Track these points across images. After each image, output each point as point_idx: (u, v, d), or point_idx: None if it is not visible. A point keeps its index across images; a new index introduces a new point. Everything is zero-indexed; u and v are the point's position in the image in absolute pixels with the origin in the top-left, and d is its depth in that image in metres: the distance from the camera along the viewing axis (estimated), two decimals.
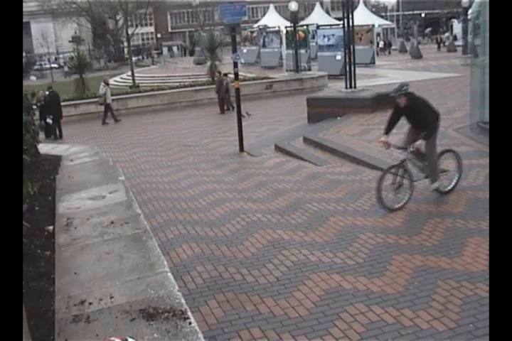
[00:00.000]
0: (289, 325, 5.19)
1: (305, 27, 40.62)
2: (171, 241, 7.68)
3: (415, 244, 6.84)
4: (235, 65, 15.38)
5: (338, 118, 16.58)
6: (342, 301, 5.55)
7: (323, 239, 7.28)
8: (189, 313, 3.40)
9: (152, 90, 29.58)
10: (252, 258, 6.84)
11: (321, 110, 17.53)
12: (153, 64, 61.91)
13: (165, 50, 74.19)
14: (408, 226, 7.46)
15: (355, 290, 5.76)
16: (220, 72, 26.23)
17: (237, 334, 5.07)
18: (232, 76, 18.66)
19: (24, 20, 77.34)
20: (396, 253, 6.61)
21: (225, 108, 24.69)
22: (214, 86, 27.60)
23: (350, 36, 19.08)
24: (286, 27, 42.35)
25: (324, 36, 36.76)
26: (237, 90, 15.68)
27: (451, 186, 8.93)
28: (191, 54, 66.91)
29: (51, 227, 5.38)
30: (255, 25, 55.20)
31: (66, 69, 54.19)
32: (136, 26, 57.00)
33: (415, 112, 8.67)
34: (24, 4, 75.46)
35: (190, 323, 3.26)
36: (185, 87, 30.08)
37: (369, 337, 4.84)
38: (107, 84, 25.40)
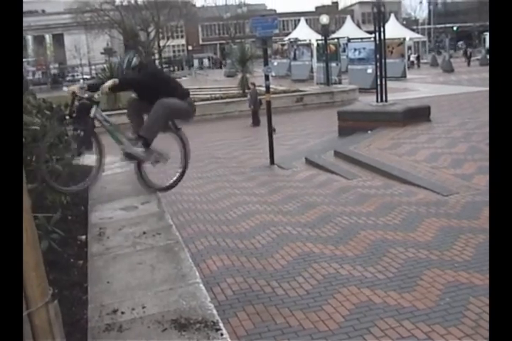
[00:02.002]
0: (318, 338, 5.17)
1: (336, 40, 40.68)
2: (201, 252, 7.70)
3: (447, 259, 6.79)
4: (267, 77, 15.45)
5: (369, 131, 16.54)
6: (372, 315, 5.52)
7: (354, 252, 7.26)
8: (221, 324, 3.40)
9: None
10: (282, 270, 6.84)
11: (352, 123, 17.52)
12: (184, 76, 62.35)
13: (196, 62, 74.71)
14: (439, 241, 7.40)
15: (386, 305, 5.72)
16: (254, 84, 26.31)
17: None
18: (262, 88, 18.77)
19: (58, 32, 78.89)
20: (427, 268, 6.56)
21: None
22: (245, 98, 27.74)
23: (381, 49, 19.06)
24: (317, 40, 42.44)
25: (355, 49, 36.76)
26: (268, 103, 15.74)
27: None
28: (221, 66, 67.33)
29: (84, 237, 5.42)
30: (286, 38, 55.42)
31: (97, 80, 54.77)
32: (168, 38, 57.66)
33: None
34: (57, 16, 77.12)
35: (222, 334, 3.26)
36: (216, 99, 30.23)
37: None
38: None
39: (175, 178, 7.51)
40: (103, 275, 4.30)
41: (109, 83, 6.03)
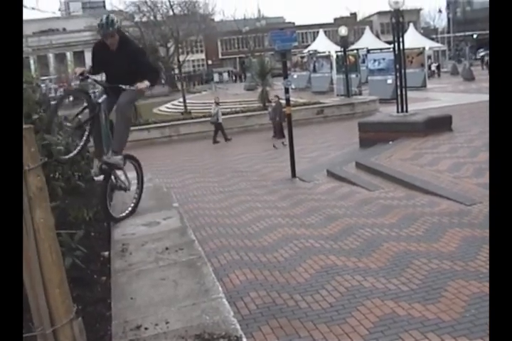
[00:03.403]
0: None
1: (355, 51, 40.71)
2: (224, 267, 7.71)
3: (471, 270, 6.74)
4: (287, 90, 15.49)
5: (390, 142, 16.49)
6: (397, 328, 5.49)
7: (377, 264, 7.23)
8: (244, 339, 3.41)
9: (203, 116, 29.92)
10: (305, 284, 6.82)
11: (373, 135, 17.49)
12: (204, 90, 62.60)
13: (216, 76, 74.99)
14: (463, 252, 7.35)
15: (410, 317, 5.69)
16: (278, 97, 26.45)
17: None
18: (283, 101, 18.82)
19: (78, 49, 79.60)
20: (451, 279, 6.52)
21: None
22: (265, 111, 27.84)
23: (401, 60, 19.03)
24: (336, 51, 42.46)
25: (375, 60, 36.75)
26: (289, 116, 15.79)
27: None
28: (241, 80, 67.51)
29: (107, 253, 5.47)
30: (305, 51, 55.49)
31: None
32: (187, 53, 57.94)
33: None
34: (78, 34, 77.77)
35: None
36: (237, 113, 30.34)
37: None
38: (218, 103, 26.72)
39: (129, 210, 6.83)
40: (126, 291, 4.33)
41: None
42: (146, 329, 3.67)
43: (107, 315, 4.08)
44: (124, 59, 6.30)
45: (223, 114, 29.80)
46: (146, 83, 6.27)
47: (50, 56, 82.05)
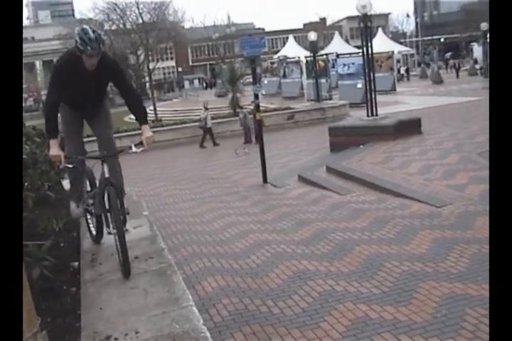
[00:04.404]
0: None
1: (325, 56, 40.94)
2: (196, 274, 7.68)
3: (442, 271, 6.78)
4: (256, 96, 15.51)
5: (361, 146, 16.58)
6: (369, 331, 5.50)
7: (349, 268, 7.24)
8: None
9: (174, 124, 29.84)
10: (277, 289, 6.81)
11: (343, 139, 17.56)
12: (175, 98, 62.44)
13: (186, 83, 74.87)
14: (434, 253, 7.39)
15: (382, 320, 5.71)
16: (241, 107, 26.64)
17: None
18: (251, 107, 18.86)
19: (48, 58, 78.94)
20: (422, 280, 6.55)
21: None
22: (236, 118, 27.94)
23: (370, 64, 19.16)
24: (305, 57, 42.67)
25: (344, 65, 37.04)
26: (259, 122, 15.82)
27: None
28: (212, 86, 67.50)
29: (76, 263, 5.43)
30: (275, 56, 55.72)
31: None
32: (158, 61, 57.82)
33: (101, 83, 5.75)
34: (47, 43, 77.17)
35: None
36: (201, 121, 30.33)
37: None
38: (207, 108, 26.81)
39: None
40: (96, 302, 4.30)
41: None
42: (115, 339, 3.65)
43: (77, 327, 4.05)
44: (103, 80, 5.58)
45: (194, 121, 29.80)
46: (150, 132, 5.57)
47: None
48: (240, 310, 6.35)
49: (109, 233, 5.25)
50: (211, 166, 19.82)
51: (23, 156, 5.71)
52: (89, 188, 5.97)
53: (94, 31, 5.11)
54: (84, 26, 5.22)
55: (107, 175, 5.28)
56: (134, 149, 5.42)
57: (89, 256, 5.40)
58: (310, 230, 9.16)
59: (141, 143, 5.47)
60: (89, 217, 6.15)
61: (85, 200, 6.01)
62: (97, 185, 5.73)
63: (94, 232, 5.90)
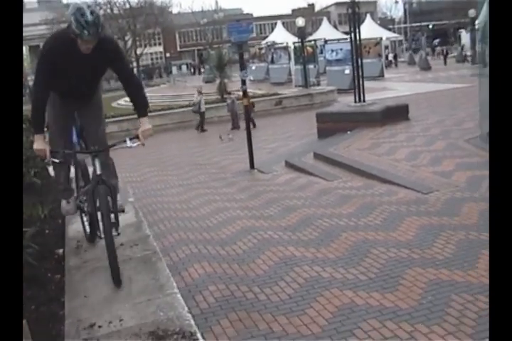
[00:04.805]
0: None
1: (313, 42, 40.81)
2: (182, 260, 7.67)
3: (428, 257, 6.80)
4: (243, 82, 15.44)
5: (349, 132, 16.55)
6: (355, 317, 5.51)
7: (335, 254, 7.25)
8: (198, 335, 3.38)
9: (162, 109, 29.68)
10: (264, 276, 6.81)
11: (331, 125, 17.51)
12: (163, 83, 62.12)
13: (174, 69, 74.46)
14: (420, 240, 7.41)
15: (368, 306, 5.71)
16: (229, 93, 26.54)
17: None
18: (239, 93, 18.78)
19: (34, 43, 78.35)
20: (409, 267, 6.57)
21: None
22: (223, 104, 27.87)
23: (358, 50, 19.11)
24: (294, 43, 42.50)
25: (332, 51, 36.89)
26: (246, 108, 15.76)
27: None
28: (200, 72, 67.21)
29: (61, 250, 5.39)
30: (263, 42, 55.49)
31: None
32: (145, 46, 57.50)
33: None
34: (33, 28, 76.54)
35: None
36: (195, 105, 30.19)
37: None
38: (201, 92, 26.82)
39: None
40: (80, 289, 4.26)
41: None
42: (99, 327, 3.62)
43: (61, 314, 4.02)
44: (100, 64, 4.88)
45: (181, 107, 29.68)
46: (149, 125, 4.98)
47: None
48: (226, 296, 6.35)
49: (100, 237, 4.87)
50: (199, 152, 19.75)
51: None
52: (82, 183, 5.47)
53: (92, 12, 4.37)
54: (81, 5, 4.40)
55: (98, 172, 4.85)
56: (128, 143, 4.89)
57: (74, 243, 5.35)
58: (297, 216, 9.15)
59: (137, 137, 4.90)
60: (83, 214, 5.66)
61: (78, 196, 5.56)
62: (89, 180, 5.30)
63: (88, 231, 5.45)
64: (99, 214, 4.72)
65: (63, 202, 5.61)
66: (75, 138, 5.51)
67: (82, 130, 5.43)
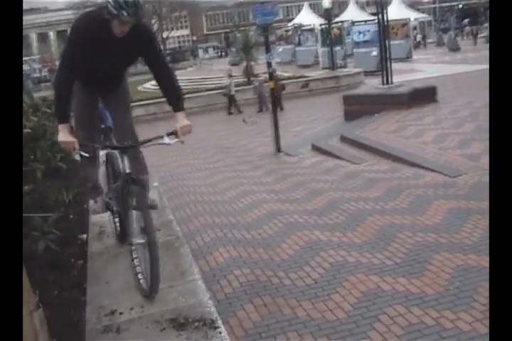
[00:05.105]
0: (326, 328, 5.10)
1: (340, 24, 40.44)
2: (207, 244, 7.64)
3: (456, 242, 6.69)
4: (269, 65, 15.34)
5: (376, 115, 16.38)
6: (381, 303, 5.44)
7: (361, 239, 7.17)
8: (219, 322, 3.34)
9: (188, 93, 29.64)
10: (289, 260, 6.76)
11: (358, 108, 17.34)
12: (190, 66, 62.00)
13: (201, 52, 74.28)
14: (448, 224, 7.29)
15: (394, 292, 5.64)
16: (256, 75, 26.40)
17: (273, 339, 4.99)
18: (266, 76, 18.67)
19: (61, 28, 78.70)
20: (436, 252, 6.47)
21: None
22: (250, 86, 27.77)
23: (385, 31, 18.86)
24: (320, 24, 42.13)
25: (359, 32, 36.50)
26: (272, 90, 15.66)
27: None
28: (226, 54, 67.04)
29: (85, 236, 5.38)
30: (290, 24, 55.08)
31: None
32: (172, 29, 57.37)
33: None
34: (60, 13, 76.91)
35: (220, 333, 3.21)
36: (221, 88, 30.09)
37: (409, 340, 4.73)
38: (231, 75, 27.35)
39: None
40: (102, 275, 4.25)
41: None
42: (121, 314, 3.60)
43: (83, 300, 4.00)
44: (133, 51, 4.46)
45: (208, 90, 29.62)
46: (187, 121, 4.57)
47: (33, 36, 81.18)
48: (251, 281, 6.31)
49: (130, 243, 4.27)
50: (225, 135, 19.72)
51: (27, 130, 5.60)
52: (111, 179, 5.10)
53: None
54: None
55: (127, 170, 4.40)
56: (166, 140, 4.43)
57: (97, 229, 5.35)
58: (323, 200, 9.08)
59: (174, 133, 4.47)
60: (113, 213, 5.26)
61: (107, 193, 5.16)
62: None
63: (118, 230, 5.10)
64: (130, 213, 4.30)
65: (91, 201, 5.37)
66: (110, 120, 5.14)
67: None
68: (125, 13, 3.97)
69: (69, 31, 4.40)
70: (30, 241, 4.26)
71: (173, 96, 4.62)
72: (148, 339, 3.22)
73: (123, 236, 4.81)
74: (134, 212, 4.23)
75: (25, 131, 5.28)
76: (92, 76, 4.58)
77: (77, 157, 5.15)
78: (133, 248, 4.26)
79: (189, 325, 3.31)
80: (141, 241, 4.04)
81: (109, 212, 5.20)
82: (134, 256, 4.25)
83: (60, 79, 4.33)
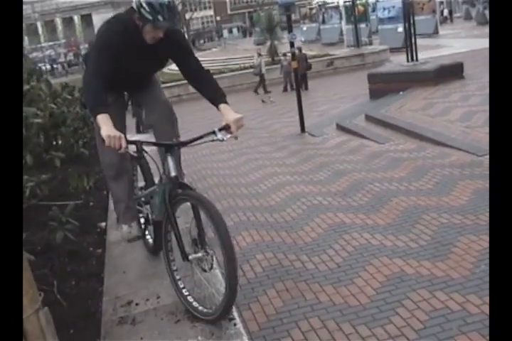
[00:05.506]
0: (349, 313, 5.02)
1: (364, 0, 39.92)
2: (230, 228, 7.47)
3: (482, 223, 6.54)
4: (292, 44, 15.23)
5: (401, 93, 16.18)
6: (404, 287, 5.35)
7: (386, 221, 7.06)
8: (235, 313, 3.29)
9: (213, 74, 29.53)
10: (312, 244, 6.68)
11: (383, 86, 17.15)
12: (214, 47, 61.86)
13: (225, 32, 74.02)
14: (474, 205, 7.15)
15: (418, 275, 5.54)
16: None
17: (295, 325, 4.93)
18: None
19: (85, 12, 78.84)
20: (461, 234, 6.34)
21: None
22: (274, 66, 27.55)
23: (410, 7, 18.58)
24: (345, 2, 41.64)
25: (384, 8, 36.07)
26: (296, 70, 15.54)
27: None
28: (251, 34, 66.72)
29: (104, 223, 5.35)
30: (314, 2, 54.53)
31: None
32: (195, 10, 57.12)
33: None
34: None
35: (235, 325, 3.16)
36: (246, 69, 29.95)
37: (433, 326, 4.63)
38: (260, 54, 27.60)
39: None
40: (120, 265, 4.22)
41: None
42: (136, 305, 3.57)
43: (100, 290, 3.98)
44: (164, 56, 4.32)
45: (232, 71, 29.47)
46: (238, 113, 4.25)
47: (58, 21, 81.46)
48: (273, 265, 6.24)
49: (185, 259, 3.69)
50: (249, 116, 19.60)
51: (37, 120, 5.55)
52: (142, 183, 4.71)
53: None
54: None
55: (173, 173, 4.00)
56: (219, 136, 4.06)
57: (115, 217, 5.30)
58: (347, 181, 8.98)
59: (227, 128, 4.13)
60: (142, 221, 4.83)
61: (137, 199, 4.77)
62: (154, 180, 4.61)
63: (151, 241, 4.63)
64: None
65: (124, 227, 4.48)
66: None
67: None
68: (161, 18, 3.74)
69: (96, 34, 4.09)
70: (48, 231, 4.25)
71: (213, 93, 4.33)
72: (162, 332, 3.18)
73: (158, 247, 4.29)
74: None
75: (35, 121, 5.23)
76: (120, 81, 4.29)
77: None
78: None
79: (204, 317, 3.26)
80: (199, 255, 3.65)
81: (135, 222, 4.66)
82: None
83: (94, 71, 3.90)
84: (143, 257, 4.25)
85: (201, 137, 4.14)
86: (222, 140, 4.03)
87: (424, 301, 5.05)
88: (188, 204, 3.98)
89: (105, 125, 3.57)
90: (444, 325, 4.61)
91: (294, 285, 5.71)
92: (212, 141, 4.09)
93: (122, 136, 3.59)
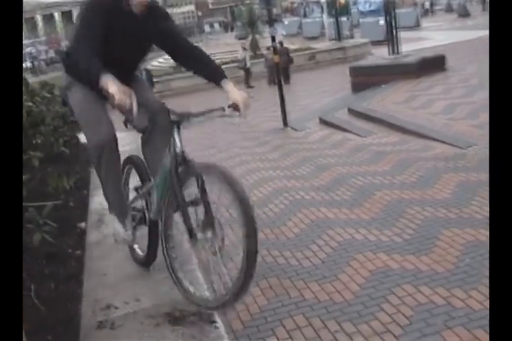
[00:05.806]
0: (334, 310, 4.96)
1: None
2: None
3: (465, 216, 6.52)
4: (273, 38, 15.20)
5: (383, 86, 16.16)
6: (389, 282, 5.30)
7: (369, 215, 7.01)
8: (216, 316, 3.22)
9: None
10: (295, 239, 6.62)
11: (365, 79, 17.12)
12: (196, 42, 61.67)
13: (207, 27, 73.81)
14: (458, 198, 7.12)
15: (403, 270, 5.49)
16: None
17: (280, 323, 4.86)
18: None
19: (66, 8, 78.23)
20: (445, 227, 6.30)
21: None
22: (256, 60, 27.50)
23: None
24: None
25: (365, 2, 36.17)
26: (277, 64, 15.50)
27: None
28: (232, 29, 66.63)
29: (83, 224, 5.27)
30: None
31: None
32: (176, 5, 56.92)
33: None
34: None
35: (216, 328, 3.10)
36: (227, 63, 29.82)
37: (418, 321, 4.59)
38: (245, 49, 27.87)
39: None
40: (99, 266, 4.15)
41: None
42: (116, 308, 3.50)
43: (79, 293, 3.90)
44: (153, 28, 3.99)
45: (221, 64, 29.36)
46: (244, 93, 4.17)
47: (38, 17, 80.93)
48: (257, 262, 6.17)
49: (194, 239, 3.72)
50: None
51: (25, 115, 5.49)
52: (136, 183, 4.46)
53: None
54: None
55: (180, 149, 3.94)
56: (227, 112, 3.97)
57: (96, 217, 5.23)
58: (330, 175, 8.93)
59: (234, 106, 4.00)
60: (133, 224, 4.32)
61: (133, 201, 4.53)
62: (150, 176, 4.42)
63: (140, 252, 4.28)
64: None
65: (118, 226, 4.11)
66: None
67: None
68: None
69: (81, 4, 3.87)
70: (25, 233, 4.16)
71: (212, 70, 4.28)
72: (142, 337, 3.12)
73: (151, 256, 4.07)
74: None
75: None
76: (110, 60, 3.70)
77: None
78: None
79: (184, 320, 3.20)
80: (208, 235, 3.69)
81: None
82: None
83: (84, 54, 3.59)
84: (123, 259, 4.18)
85: (211, 110, 4.05)
86: (231, 116, 3.97)
87: (409, 296, 5.00)
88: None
89: (112, 83, 3.35)
90: (429, 320, 4.57)
91: (279, 283, 5.64)
92: (222, 116, 4.03)
93: (132, 91, 3.44)
